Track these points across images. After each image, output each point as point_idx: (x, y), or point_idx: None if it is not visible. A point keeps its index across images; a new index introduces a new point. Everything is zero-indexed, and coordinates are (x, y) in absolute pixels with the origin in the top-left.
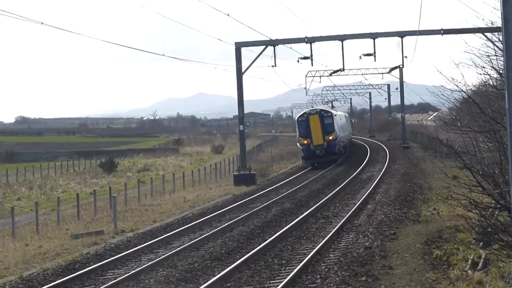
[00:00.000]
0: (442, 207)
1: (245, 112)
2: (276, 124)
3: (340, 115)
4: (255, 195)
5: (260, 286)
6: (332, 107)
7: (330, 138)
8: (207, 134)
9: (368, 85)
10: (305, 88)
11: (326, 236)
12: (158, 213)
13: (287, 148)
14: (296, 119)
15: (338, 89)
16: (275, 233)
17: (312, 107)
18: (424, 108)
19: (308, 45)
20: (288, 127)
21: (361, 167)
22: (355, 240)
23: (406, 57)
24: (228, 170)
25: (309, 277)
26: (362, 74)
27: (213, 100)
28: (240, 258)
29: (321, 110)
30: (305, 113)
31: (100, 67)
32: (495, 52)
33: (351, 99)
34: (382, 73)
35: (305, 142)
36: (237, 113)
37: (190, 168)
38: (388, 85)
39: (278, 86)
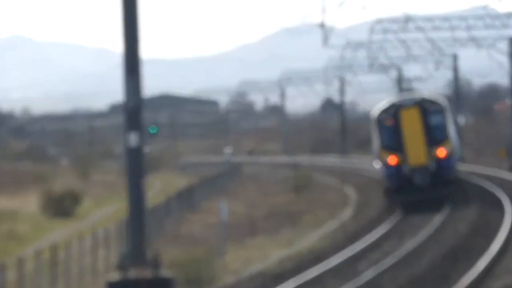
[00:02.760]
0: None
1: (147, 94)
2: (239, 130)
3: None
4: None
5: None
6: (406, 90)
7: (443, 153)
8: (33, 159)
9: (507, 14)
10: (322, 24)
11: None
12: None
13: (269, 196)
14: (373, 117)
15: (420, 28)
16: None
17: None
18: None
19: None
20: (272, 137)
21: (486, 255)
22: None
23: None
24: (92, 266)
25: None
26: None
27: (51, 59)
28: None
29: (423, 99)
30: (392, 105)
31: None
32: None
33: (455, 57)
34: None
35: (393, 160)
36: (118, 97)
37: None
38: None
39: (242, 20)
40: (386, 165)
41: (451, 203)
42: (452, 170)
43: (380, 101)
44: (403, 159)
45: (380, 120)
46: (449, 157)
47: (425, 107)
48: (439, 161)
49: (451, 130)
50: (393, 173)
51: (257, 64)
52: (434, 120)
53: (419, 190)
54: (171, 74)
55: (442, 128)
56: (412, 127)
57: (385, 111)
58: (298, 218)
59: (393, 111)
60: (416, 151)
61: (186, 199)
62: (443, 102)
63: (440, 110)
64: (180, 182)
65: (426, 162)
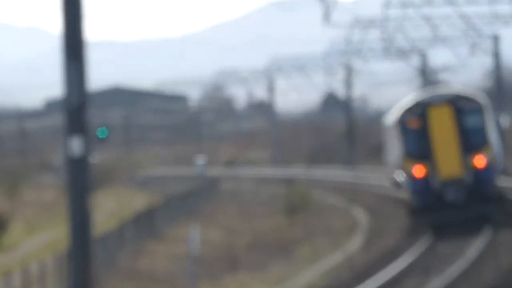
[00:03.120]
0: None
1: (95, 87)
2: (215, 134)
3: None
4: None
5: None
6: (432, 82)
7: (482, 162)
8: None
9: None
10: None
11: None
12: None
13: (255, 221)
14: (393, 117)
15: (451, 1)
16: None
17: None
18: None
19: None
20: (259, 143)
21: None
22: None
23: None
24: None
25: None
26: None
27: None
28: None
29: (457, 95)
30: (418, 103)
31: None
32: None
33: (496, 38)
34: None
35: (419, 171)
36: (55, 92)
37: None
38: None
39: None
40: (410, 177)
41: (492, 226)
42: (492, 184)
43: (399, 96)
44: (432, 170)
45: (403, 121)
46: (489, 167)
47: (460, 105)
48: (477, 172)
49: (492, 134)
50: (420, 187)
51: (239, 49)
52: (471, 121)
53: (452, 209)
54: (127, 61)
55: (481, 132)
56: (443, 130)
57: (409, 111)
58: (292, 249)
59: (420, 111)
60: (449, 160)
61: (146, 223)
62: (482, 99)
63: (478, 109)
64: (138, 201)
65: (460, 173)
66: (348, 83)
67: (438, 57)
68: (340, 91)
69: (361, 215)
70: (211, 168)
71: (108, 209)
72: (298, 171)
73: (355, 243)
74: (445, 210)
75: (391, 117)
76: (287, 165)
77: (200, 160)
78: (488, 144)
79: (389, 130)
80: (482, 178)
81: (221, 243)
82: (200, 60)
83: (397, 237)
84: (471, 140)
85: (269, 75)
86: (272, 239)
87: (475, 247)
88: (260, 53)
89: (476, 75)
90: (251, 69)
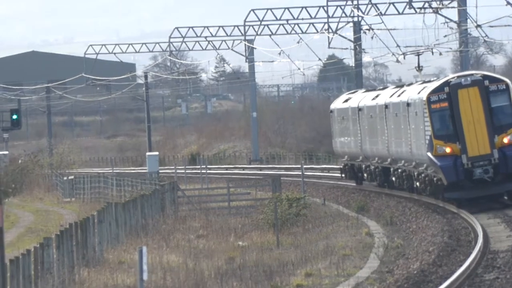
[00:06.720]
0: None
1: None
2: (172, 117)
3: None
4: None
5: None
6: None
7: (508, 139)
8: None
9: None
10: None
11: None
12: None
13: (228, 237)
14: (418, 97)
15: None
16: None
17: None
18: None
19: None
20: (233, 130)
21: None
22: None
23: None
24: None
25: None
26: None
27: None
28: None
29: (484, 75)
30: (446, 83)
31: None
32: None
33: None
34: None
35: (448, 150)
36: None
37: None
38: None
39: None
40: (440, 156)
41: None
42: None
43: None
44: (463, 149)
45: (430, 102)
46: None
47: (488, 86)
48: (505, 149)
49: None
50: (450, 166)
51: None
52: (498, 101)
53: (480, 186)
54: (41, 13)
55: (508, 111)
56: (472, 110)
57: (437, 91)
58: (281, 278)
59: (450, 91)
60: (478, 140)
61: (76, 243)
62: (508, 81)
63: (506, 89)
64: (65, 212)
65: (489, 151)
66: (357, 42)
67: (484, 9)
68: (345, 54)
69: (376, 227)
70: (167, 165)
71: (25, 222)
72: (288, 167)
73: (367, 268)
74: (475, 188)
75: (408, 96)
76: (274, 160)
77: (152, 154)
78: None
79: (414, 110)
80: (509, 155)
81: (184, 269)
82: (150, 13)
83: (426, 258)
84: (499, 120)
85: (245, 33)
86: (253, 263)
87: None
88: (235, 3)
89: None
90: (221, 25)
